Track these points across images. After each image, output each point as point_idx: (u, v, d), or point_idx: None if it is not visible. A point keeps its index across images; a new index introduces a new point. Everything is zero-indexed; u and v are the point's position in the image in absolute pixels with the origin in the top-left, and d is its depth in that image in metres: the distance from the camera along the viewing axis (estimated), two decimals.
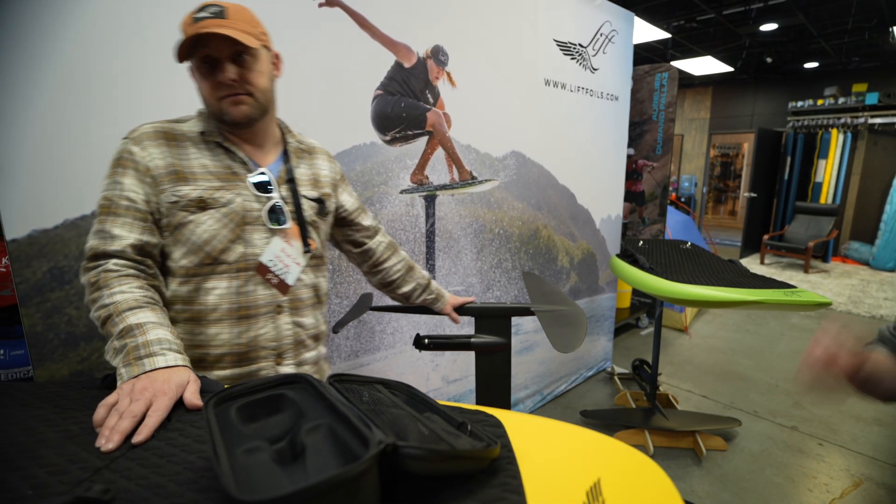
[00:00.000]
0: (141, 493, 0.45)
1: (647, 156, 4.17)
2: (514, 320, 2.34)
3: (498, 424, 0.54)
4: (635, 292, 4.31)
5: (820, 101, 7.26)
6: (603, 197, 3.00)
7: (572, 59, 2.57)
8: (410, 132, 1.87)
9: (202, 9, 0.87)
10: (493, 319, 1.51)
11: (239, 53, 0.88)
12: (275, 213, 0.98)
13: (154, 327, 0.79)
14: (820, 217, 6.99)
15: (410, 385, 0.65)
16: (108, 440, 0.59)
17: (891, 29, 4.99)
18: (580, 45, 2.61)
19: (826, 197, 7.24)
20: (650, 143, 4.14)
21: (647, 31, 5.53)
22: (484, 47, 2.10)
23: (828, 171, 7.19)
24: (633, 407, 2.80)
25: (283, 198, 1.00)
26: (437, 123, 1.94)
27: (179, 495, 0.45)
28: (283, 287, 1.00)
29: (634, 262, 2.35)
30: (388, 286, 1.38)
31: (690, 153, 9.51)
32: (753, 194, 7.54)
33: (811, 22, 5.27)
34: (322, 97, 1.62)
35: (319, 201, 1.08)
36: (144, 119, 0.96)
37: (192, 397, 0.69)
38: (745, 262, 7.29)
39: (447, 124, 1.99)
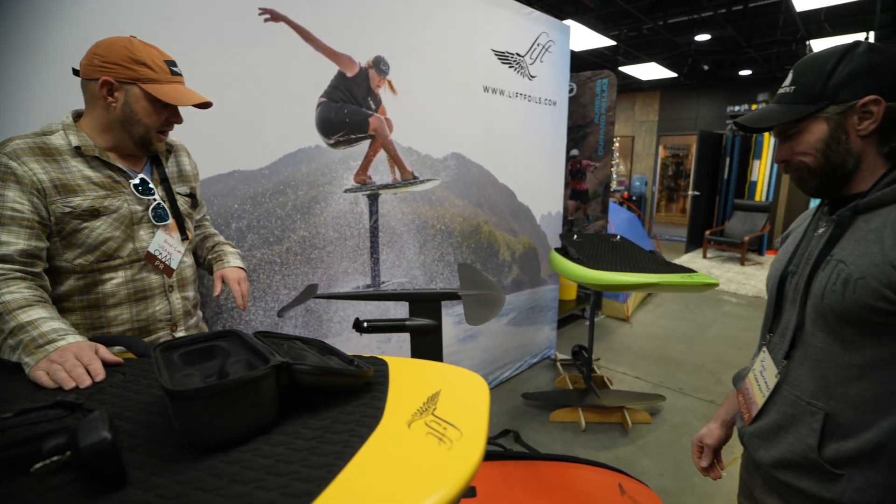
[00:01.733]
0: (109, 406, 0.60)
1: (590, 156, 4.45)
2: (459, 311, 2.55)
3: (383, 364, 0.72)
4: (580, 284, 4.59)
5: (754, 106, 7.81)
6: (543, 195, 3.23)
7: (510, 67, 2.78)
8: (353, 136, 2.03)
9: (173, 63, 1.11)
10: (425, 304, 1.69)
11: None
12: (157, 212, 1.16)
13: (46, 321, 0.90)
14: (755, 213, 7.52)
15: (324, 341, 0.82)
16: (76, 380, 0.74)
17: (807, 43, 5.46)
18: (518, 54, 2.83)
19: (760, 195, 7.78)
20: (593, 144, 4.42)
21: (594, 39, 5.85)
22: (425, 57, 2.28)
23: (761, 171, 7.74)
24: (570, 388, 3.04)
25: (161, 197, 1.18)
26: (378, 128, 2.11)
27: (140, 403, 0.60)
28: (168, 271, 1.19)
29: (566, 253, 2.59)
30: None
31: (641, 154, 9.98)
32: (697, 192, 8.02)
33: (740, 34, 5.71)
34: (268, 103, 1.76)
35: (191, 196, 1.28)
36: None
37: (107, 354, 0.84)
38: (689, 256, 7.76)
39: (389, 128, 2.16)
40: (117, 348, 0.95)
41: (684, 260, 7.46)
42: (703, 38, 5.93)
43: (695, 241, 8.12)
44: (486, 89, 2.63)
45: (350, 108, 2.00)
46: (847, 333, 0.80)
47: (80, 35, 1.32)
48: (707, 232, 7.58)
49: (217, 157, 1.66)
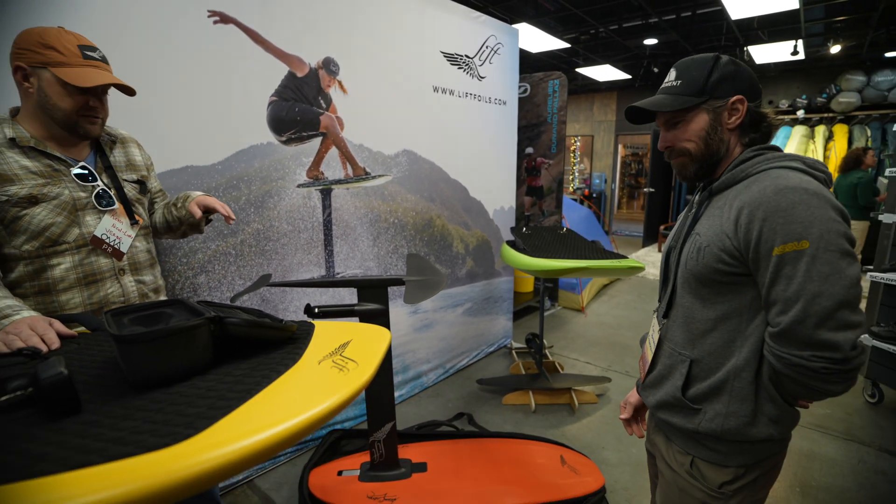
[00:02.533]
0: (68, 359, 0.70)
1: (544, 154, 4.64)
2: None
3: (310, 325, 0.84)
4: (523, 271, 4.79)
5: None
6: (495, 190, 3.39)
7: (459, 68, 2.92)
8: (305, 133, 2.13)
9: (90, 49, 1.14)
10: (372, 290, 1.81)
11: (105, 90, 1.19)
12: (101, 198, 1.20)
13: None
14: None
15: (262, 310, 0.93)
16: (42, 344, 0.81)
17: (745, 49, 5.82)
18: (467, 56, 2.98)
19: None
20: (546, 142, 4.62)
21: (550, 41, 6.06)
22: (374, 58, 2.40)
23: None
24: (523, 374, 3.20)
25: (106, 184, 1.22)
26: (329, 126, 2.21)
27: (93, 364, 0.70)
28: (118, 254, 1.24)
29: (514, 245, 2.75)
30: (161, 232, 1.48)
31: (600, 152, 10.33)
32: (651, 189, 8.39)
33: (685, 39, 6.03)
34: (220, 102, 1.84)
35: (140, 182, 1.34)
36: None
37: (61, 327, 0.92)
38: (645, 250, 8.10)
39: (340, 126, 2.26)
40: (73, 326, 1.04)
41: (640, 253, 7.79)
42: (650, 42, 6.23)
43: (651, 236, 8.49)
44: (435, 89, 2.76)
45: (301, 107, 2.10)
46: (704, 293, 0.97)
47: None
48: (661, 227, 7.94)
49: (170, 152, 1.74)
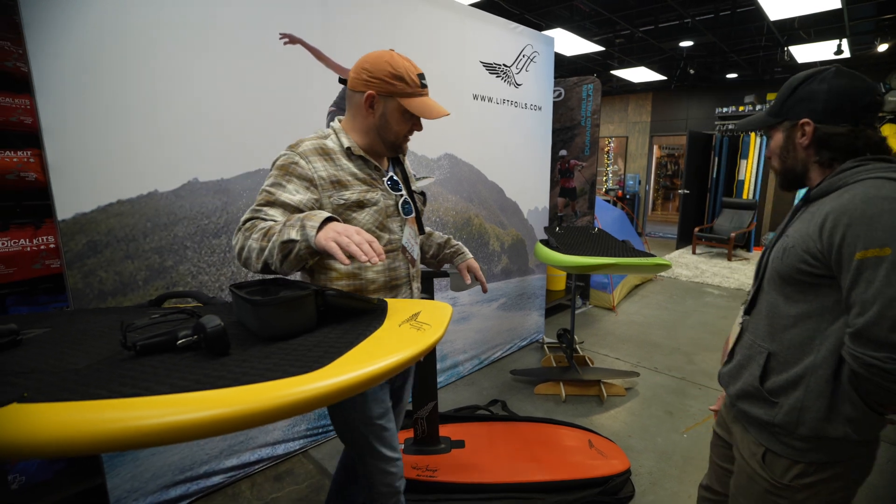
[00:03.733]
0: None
1: (577, 156, 4.77)
2: (453, 294, 2.88)
3: (385, 302, 1.04)
4: (568, 274, 4.92)
5: (741, 108, 8.12)
6: (530, 191, 3.55)
7: (497, 77, 3.11)
8: None
9: (422, 77, 1.22)
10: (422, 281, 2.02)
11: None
12: (405, 206, 1.28)
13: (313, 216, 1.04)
14: (742, 211, 7.82)
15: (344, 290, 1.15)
16: (367, 255, 0.89)
17: (787, 48, 5.77)
18: (504, 65, 3.16)
19: (747, 193, 8.09)
20: (580, 145, 4.74)
21: (584, 45, 6.17)
22: (420, 68, 2.60)
23: (748, 170, 8.04)
24: (554, 366, 3.36)
25: (406, 193, 1.30)
26: None
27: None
28: (413, 262, 1.33)
29: (548, 243, 2.92)
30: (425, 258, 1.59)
31: (635, 154, 10.29)
32: (686, 191, 8.34)
33: (722, 40, 6.02)
34: (288, 112, 2.09)
35: (423, 194, 1.41)
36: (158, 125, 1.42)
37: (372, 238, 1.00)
38: (678, 252, 8.06)
39: None
40: (186, 300, 1.28)
41: (674, 255, 7.76)
42: (686, 44, 6.24)
43: (685, 238, 8.43)
44: (475, 97, 2.96)
45: None
46: (788, 290, 1.03)
47: (123, 41, 1.66)
48: (696, 229, 7.89)
49: (246, 158, 2.00)
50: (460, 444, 2.25)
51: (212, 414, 0.61)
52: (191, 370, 0.74)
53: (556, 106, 4.77)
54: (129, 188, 1.71)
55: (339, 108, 2.26)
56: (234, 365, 0.76)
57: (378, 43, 2.38)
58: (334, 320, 0.95)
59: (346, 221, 1.18)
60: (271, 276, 1.10)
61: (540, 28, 5.45)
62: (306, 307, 0.88)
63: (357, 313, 0.97)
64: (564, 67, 7.89)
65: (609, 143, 11.05)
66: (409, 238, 1.30)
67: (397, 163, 1.35)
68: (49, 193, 1.55)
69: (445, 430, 2.34)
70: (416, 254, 1.34)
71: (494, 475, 2.05)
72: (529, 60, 3.35)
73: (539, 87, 3.48)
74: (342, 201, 1.18)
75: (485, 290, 1.53)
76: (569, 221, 4.94)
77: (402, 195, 1.29)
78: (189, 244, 1.89)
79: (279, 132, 2.08)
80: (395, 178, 1.29)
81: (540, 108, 3.53)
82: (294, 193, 1.13)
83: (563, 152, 4.81)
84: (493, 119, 3.11)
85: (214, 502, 2.03)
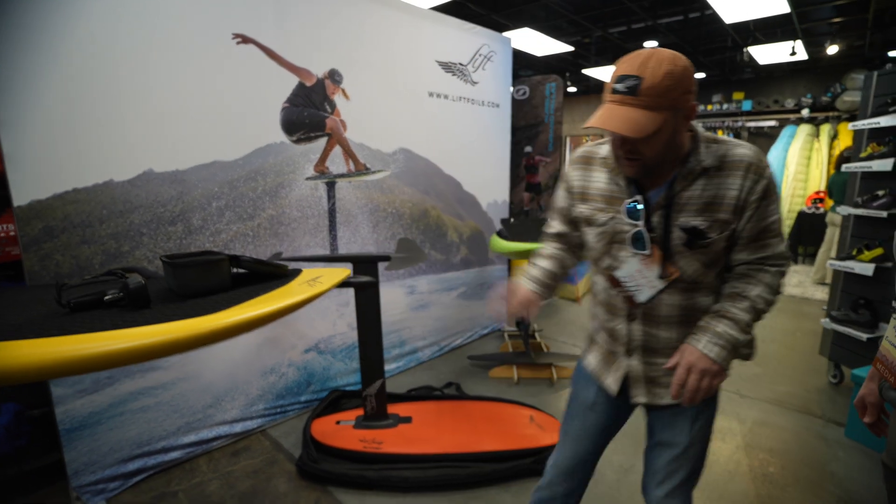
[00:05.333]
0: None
1: (541, 152, 4.95)
2: (411, 283, 3.03)
3: (300, 270, 1.19)
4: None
5: (710, 107, 8.39)
6: (489, 185, 3.71)
7: (453, 75, 3.26)
8: (312, 134, 2.49)
9: (620, 79, 0.92)
10: (365, 264, 2.16)
11: None
12: (636, 241, 1.06)
13: (533, 267, 1.27)
14: None
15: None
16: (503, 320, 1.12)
17: (745, 49, 6.01)
18: (460, 63, 3.31)
19: None
20: (544, 141, 4.92)
21: (551, 45, 6.35)
22: (375, 69, 2.75)
23: None
24: (510, 351, 3.52)
25: (653, 225, 1.04)
26: (334, 127, 2.57)
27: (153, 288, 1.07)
28: (630, 301, 1.12)
29: (499, 233, 3.08)
30: None
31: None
32: None
33: (689, 42, 6.25)
34: (241, 108, 2.22)
35: (693, 232, 1.02)
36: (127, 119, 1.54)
37: (518, 308, 1.19)
38: None
39: (343, 128, 2.62)
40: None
41: None
42: (650, 44, 6.46)
43: None
44: (430, 94, 3.11)
45: (309, 112, 2.46)
46: None
47: (80, 35, 1.78)
48: None
49: (201, 150, 2.12)
50: (408, 419, 2.40)
51: (120, 346, 0.75)
52: (112, 320, 0.88)
53: (521, 104, 4.95)
54: (84, 177, 1.82)
55: (292, 103, 2.39)
56: (150, 315, 0.90)
57: (333, 43, 2.52)
58: (250, 281, 1.09)
59: (583, 236, 1.20)
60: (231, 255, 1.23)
61: (506, 29, 5.62)
62: (220, 269, 1.02)
63: (272, 276, 1.12)
64: (535, 67, 8.09)
65: (586, 140, 11.29)
66: (631, 273, 1.10)
67: (674, 187, 1.03)
68: (4, 182, 1.66)
69: (395, 409, 2.48)
70: (644, 295, 1.10)
71: (436, 446, 2.19)
72: (486, 59, 3.50)
73: (496, 84, 3.64)
74: (577, 213, 1.17)
75: (672, 397, 1.06)
76: (534, 216, 5.12)
77: (637, 227, 1.06)
78: (145, 231, 2.01)
79: (234, 127, 2.21)
80: (637, 205, 1.05)
81: (498, 106, 3.68)
82: (559, 200, 1.24)
83: (528, 149, 4.98)
84: (449, 115, 3.26)
85: (171, 476, 2.15)
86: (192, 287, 0.99)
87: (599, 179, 1.11)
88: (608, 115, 0.93)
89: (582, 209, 1.15)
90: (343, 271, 1.12)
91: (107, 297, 0.93)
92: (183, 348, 0.79)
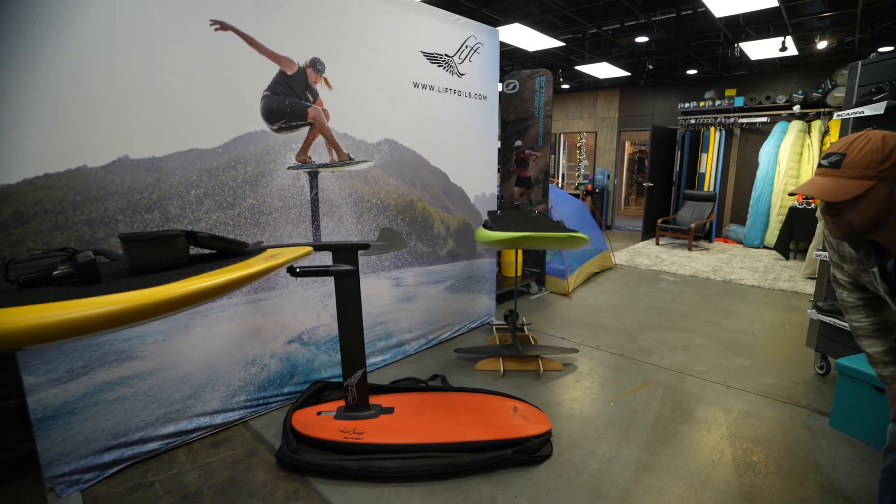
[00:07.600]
0: None
1: (531, 146, 4.93)
2: (397, 274, 3.01)
3: (264, 248, 1.16)
4: (525, 262, 5.09)
5: (702, 103, 8.39)
6: (476, 177, 3.69)
7: (439, 66, 3.24)
8: (294, 123, 2.47)
9: (826, 156, 1.06)
10: (344, 253, 2.14)
11: None
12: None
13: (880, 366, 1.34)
14: (703, 202, 8.09)
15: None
16: None
17: (736, 45, 6.01)
18: (446, 55, 3.29)
19: (708, 185, 8.36)
20: (534, 135, 4.90)
21: (543, 40, 6.33)
22: (358, 58, 2.73)
23: (709, 163, 8.32)
24: (498, 344, 3.51)
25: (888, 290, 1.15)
26: (316, 116, 2.55)
27: (112, 268, 1.04)
28: None
29: (485, 224, 3.06)
30: None
31: (604, 148, 10.52)
32: (650, 184, 8.58)
33: (681, 38, 6.24)
34: (220, 95, 2.19)
35: None
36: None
37: None
38: (643, 243, 8.29)
39: (326, 117, 2.60)
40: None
41: (638, 246, 7.99)
42: (642, 40, 6.45)
43: (650, 230, 8.67)
44: (416, 85, 3.08)
45: (290, 100, 2.44)
46: None
47: (51, 16, 1.75)
48: (659, 221, 8.13)
49: (177, 137, 2.09)
50: (389, 410, 2.38)
51: (61, 317, 0.73)
52: (57, 294, 0.86)
53: (512, 98, 4.93)
54: (56, 162, 1.80)
55: (273, 92, 2.37)
56: (99, 289, 0.88)
57: (315, 31, 2.50)
58: (211, 259, 1.07)
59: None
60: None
61: (498, 24, 5.60)
62: (175, 245, 1.00)
63: (233, 254, 1.10)
64: (528, 63, 8.07)
65: (581, 138, 11.28)
66: None
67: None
68: None
69: (377, 400, 2.46)
70: None
71: (417, 437, 2.18)
72: (473, 51, 3.48)
73: (483, 76, 3.62)
74: (839, 275, 1.33)
75: None
76: (524, 209, 5.10)
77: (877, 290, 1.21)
78: (120, 218, 1.98)
79: (212, 114, 2.18)
80: (876, 272, 1.16)
81: (485, 98, 3.66)
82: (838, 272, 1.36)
83: (518, 143, 4.96)
84: (435, 107, 3.24)
85: (149, 467, 2.13)
86: (146, 262, 0.97)
87: (849, 246, 1.22)
88: (810, 183, 1.05)
89: (846, 268, 1.28)
90: (304, 248, 1.10)
91: (55, 273, 0.91)
92: (129, 319, 0.77)
